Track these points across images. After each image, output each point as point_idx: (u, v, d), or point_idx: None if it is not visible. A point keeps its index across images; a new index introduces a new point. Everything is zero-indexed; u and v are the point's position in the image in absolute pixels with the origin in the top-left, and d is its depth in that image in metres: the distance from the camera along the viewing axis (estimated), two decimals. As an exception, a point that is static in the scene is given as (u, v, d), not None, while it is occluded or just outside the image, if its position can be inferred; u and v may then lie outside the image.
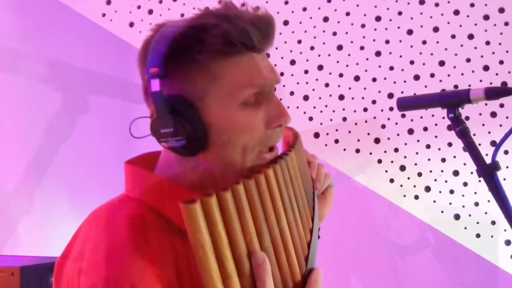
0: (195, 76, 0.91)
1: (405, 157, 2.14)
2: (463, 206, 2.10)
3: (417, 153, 2.13)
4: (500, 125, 2.05)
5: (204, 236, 0.72)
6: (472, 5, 2.07)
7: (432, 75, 2.11)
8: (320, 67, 2.20)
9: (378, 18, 2.16)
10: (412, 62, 2.13)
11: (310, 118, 2.20)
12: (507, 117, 2.05)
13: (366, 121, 2.16)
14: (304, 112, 2.20)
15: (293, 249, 0.84)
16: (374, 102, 2.16)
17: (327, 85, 2.19)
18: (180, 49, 0.91)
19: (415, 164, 2.13)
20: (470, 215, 2.09)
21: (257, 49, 0.95)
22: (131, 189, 0.98)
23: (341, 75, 2.18)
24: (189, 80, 0.91)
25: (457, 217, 2.10)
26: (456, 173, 2.10)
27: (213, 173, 0.94)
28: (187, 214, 0.72)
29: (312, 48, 2.20)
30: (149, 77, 0.90)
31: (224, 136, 0.91)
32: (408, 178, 2.13)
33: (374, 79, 2.15)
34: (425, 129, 2.12)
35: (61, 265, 0.93)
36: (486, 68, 2.07)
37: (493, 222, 2.07)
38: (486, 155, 1.55)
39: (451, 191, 2.10)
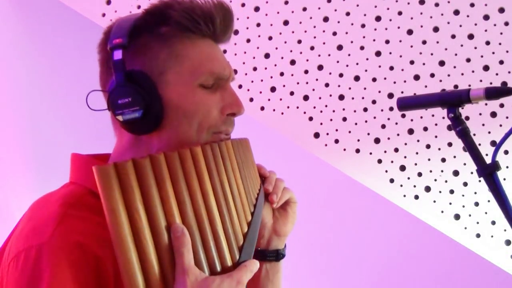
0: (158, 51, 0.93)
1: (405, 157, 2.14)
2: (463, 206, 2.10)
3: (417, 153, 2.13)
4: (500, 125, 2.04)
5: (117, 200, 0.71)
6: (472, 5, 2.07)
7: (432, 75, 2.11)
8: (320, 67, 2.20)
9: (378, 18, 2.16)
10: (412, 62, 2.13)
11: (310, 118, 2.20)
12: (507, 117, 2.05)
13: (366, 121, 2.16)
14: (304, 112, 2.20)
15: (223, 234, 0.83)
16: (374, 102, 2.16)
17: (327, 85, 2.19)
18: (145, 23, 0.93)
19: (415, 164, 2.13)
20: (470, 215, 2.09)
21: (216, 37, 0.97)
22: (73, 175, 0.98)
23: (341, 75, 2.18)
24: (151, 54, 0.93)
25: (457, 217, 2.10)
26: (456, 173, 2.10)
27: None
28: (99, 176, 0.71)
29: (312, 48, 2.20)
30: (111, 47, 0.90)
31: (180, 112, 0.92)
32: (408, 178, 2.13)
33: (374, 79, 2.15)
34: (425, 129, 2.12)
35: (0, 253, 0.92)
36: (486, 68, 2.07)
37: (493, 222, 2.07)
38: (486, 155, 1.56)
39: (451, 191, 2.10)
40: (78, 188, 0.93)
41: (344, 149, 2.18)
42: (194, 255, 0.77)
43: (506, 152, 2.04)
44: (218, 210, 0.84)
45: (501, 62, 2.05)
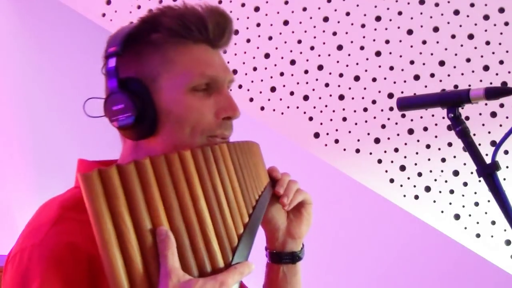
0: (150, 57, 0.94)
1: (405, 157, 2.14)
2: (463, 206, 2.10)
3: (417, 153, 2.13)
4: (500, 125, 2.05)
5: (102, 207, 0.72)
6: (472, 5, 2.07)
7: (432, 75, 2.11)
8: (320, 67, 2.20)
9: (378, 18, 2.16)
10: (412, 62, 2.13)
11: (310, 118, 2.20)
12: (507, 117, 2.05)
13: (366, 121, 2.16)
14: (304, 112, 2.20)
15: (214, 237, 0.83)
16: (374, 102, 2.16)
17: (327, 85, 2.19)
18: (137, 31, 0.94)
19: (415, 164, 2.13)
20: (470, 215, 2.09)
21: (212, 42, 0.97)
22: (77, 180, 0.99)
23: (341, 75, 2.18)
24: (144, 61, 0.94)
25: (457, 217, 2.10)
26: (456, 173, 2.10)
27: None
28: (84, 183, 0.72)
29: (312, 48, 2.20)
30: (106, 56, 0.92)
31: (173, 118, 0.93)
32: (408, 178, 2.13)
33: (374, 79, 2.15)
34: (425, 129, 2.12)
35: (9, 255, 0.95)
36: (486, 68, 2.07)
37: (493, 222, 2.07)
38: (486, 155, 1.55)
39: (451, 191, 2.10)
40: (80, 192, 0.94)
41: (344, 149, 2.18)
42: (181, 257, 0.77)
43: (506, 152, 2.04)
44: (210, 213, 0.84)
45: (501, 62, 2.05)
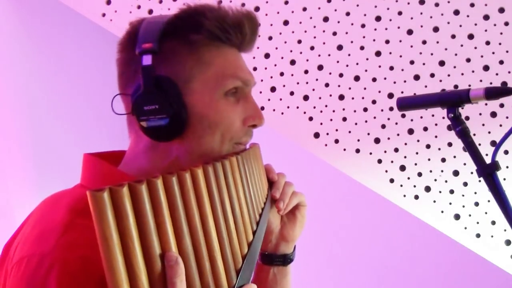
0: (186, 58, 0.92)
1: (405, 157, 2.14)
2: (463, 206, 2.10)
3: (417, 153, 2.13)
4: (500, 125, 2.05)
5: (111, 228, 0.68)
6: (472, 5, 2.07)
7: (432, 75, 2.11)
8: (320, 67, 2.20)
9: (378, 18, 2.16)
10: (412, 62, 2.13)
11: (310, 118, 2.20)
12: (507, 117, 2.05)
13: (366, 121, 2.16)
14: (304, 112, 2.20)
15: (220, 258, 0.80)
16: (374, 102, 2.16)
17: (327, 85, 2.19)
18: (175, 28, 0.92)
19: (415, 164, 2.13)
20: (470, 215, 2.09)
21: (242, 46, 0.98)
22: (85, 178, 0.96)
23: (341, 75, 2.18)
24: (178, 61, 0.92)
25: (457, 217, 2.10)
26: (456, 173, 2.10)
27: (182, 164, 0.92)
28: (93, 202, 0.67)
29: (312, 48, 2.20)
30: (140, 52, 0.89)
31: (204, 122, 0.91)
32: (408, 178, 2.13)
33: (374, 79, 2.15)
34: (425, 129, 2.12)
35: (7, 247, 0.92)
36: (486, 68, 2.07)
37: (493, 222, 2.07)
38: (486, 155, 1.56)
39: (451, 191, 2.10)
40: None
41: (344, 149, 2.18)
42: (188, 282, 0.74)
43: (506, 152, 2.04)
44: (217, 233, 0.81)
45: (501, 62, 2.05)
